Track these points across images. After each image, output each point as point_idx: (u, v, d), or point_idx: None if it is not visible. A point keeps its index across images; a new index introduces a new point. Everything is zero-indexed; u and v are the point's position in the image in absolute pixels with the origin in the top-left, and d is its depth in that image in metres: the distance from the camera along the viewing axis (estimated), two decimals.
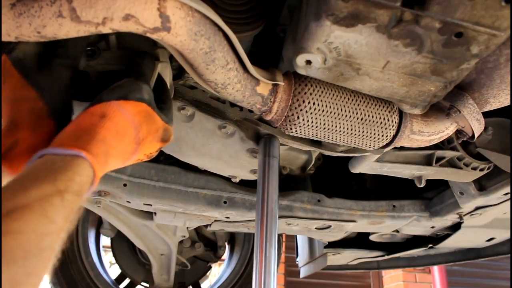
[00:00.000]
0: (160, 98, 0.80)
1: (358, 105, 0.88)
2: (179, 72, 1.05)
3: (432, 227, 1.67)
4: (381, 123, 0.90)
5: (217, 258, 2.42)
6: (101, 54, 0.83)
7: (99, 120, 0.64)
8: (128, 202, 1.32)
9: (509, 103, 0.88)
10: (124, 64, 0.84)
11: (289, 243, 4.55)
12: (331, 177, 1.75)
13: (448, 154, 1.28)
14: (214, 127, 1.06)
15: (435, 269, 4.84)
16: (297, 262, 2.38)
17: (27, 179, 0.51)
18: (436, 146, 1.27)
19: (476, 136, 0.92)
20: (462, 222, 1.59)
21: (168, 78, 0.88)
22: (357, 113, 0.88)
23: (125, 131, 0.66)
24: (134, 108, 0.69)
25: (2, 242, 0.41)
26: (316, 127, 0.88)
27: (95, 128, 0.62)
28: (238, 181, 1.36)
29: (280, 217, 1.40)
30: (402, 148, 1.24)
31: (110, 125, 0.64)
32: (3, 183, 0.52)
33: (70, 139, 0.60)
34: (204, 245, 2.35)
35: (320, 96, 0.85)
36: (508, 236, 1.79)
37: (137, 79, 0.75)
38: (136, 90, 0.71)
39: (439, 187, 1.56)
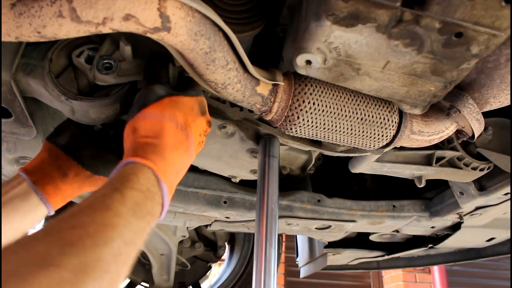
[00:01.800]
0: (182, 81, 0.83)
1: (358, 105, 0.88)
2: None
3: (432, 227, 1.67)
4: (381, 123, 0.90)
5: (217, 258, 2.42)
6: (118, 66, 0.83)
7: (132, 134, 0.69)
8: None
9: (509, 103, 0.88)
10: (141, 73, 0.85)
11: (289, 243, 4.55)
12: (331, 177, 1.75)
13: (448, 154, 1.28)
14: (214, 127, 1.06)
15: (435, 269, 4.84)
16: (297, 262, 2.38)
17: (90, 195, 0.55)
18: (436, 146, 1.27)
19: (476, 136, 0.92)
20: (462, 222, 1.59)
21: None
22: (357, 113, 0.88)
23: (162, 127, 0.69)
24: (157, 108, 0.71)
25: (72, 233, 0.45)
26: (316, 127, 0.88)
27: (134, 143, 0.67)
28: (238, 181, 1.36)
29: (280, 217, 1.39)
30: (402, 148, 1.24)
31: (143, 132, 0.68)
32: None
33: (138, 149, 0.66)
34: (204, 245, 2.35)
35: (320, 96, 0.85)
36: (508, 236, 1.79)
37: (150, 83, 0.77)
38: (151, 94, 0.74)
39: (439, 187, 1.56)
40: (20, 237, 0.44)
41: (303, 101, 0.85)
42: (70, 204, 0.72)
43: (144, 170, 0.61)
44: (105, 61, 0.82)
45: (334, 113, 0.87)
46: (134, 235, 0.52)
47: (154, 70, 0.81)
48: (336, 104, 0.87)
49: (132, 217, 0.53)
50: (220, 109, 1.05)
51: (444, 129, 0.94)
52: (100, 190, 0.55)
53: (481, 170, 1.30)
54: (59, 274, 0.40)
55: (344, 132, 0.90)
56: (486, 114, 0.93)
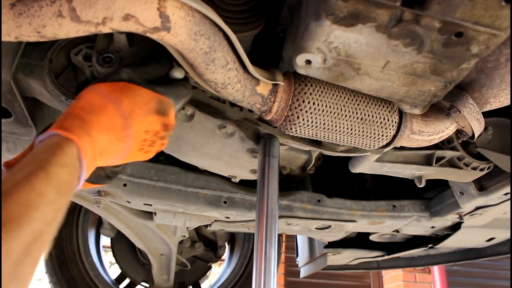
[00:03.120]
0: (163, 78, 0.81)
1: (358, 105, 0.88)
2: None
3: (432, 227, 1.67)
4: (381, 123, 0.90)
5: (217, 258, 2.42)
6: (117, 57, 0.83)
7: (75, 102, 0.68)
8: (128, 202, 1.32)
9: (509, 103, 0.88)
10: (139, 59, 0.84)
11: (289, 243, 4.55)
12: (331, 177, 1.75)
13: (448, 154, 1.28)
14: (214, 127, 1.06)
15: (435, 269, 4.84)
16: (297, 262, 2.38)
17: (15, 169, 0.54)
18: (436, 146, 1.27)
19: (476, 136, 0.92)
20: (462, 222, 1.59)
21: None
22: (357, 113, 0.88)
23: (101, 106, 0.67)
24: (108, 87, 0.70)
25: None
26: (316, 127, 0.88)
27: (69, 109, 0.66)
28: (238, 181, 1.36)
29: (280, 217, 1.39)
30: (402, 148, 1.24)
31: (83, 103, 0.67)
32: None
33: (53, 125, 0.64)
34: (204, 245, 2.35)
35: (320, 96, 0.85)
36: (508, 236, 1.79)
37: (122, 67, 0.76)
38: (115, 73, 0.73)
39: (439, 187, 1.56)
40: None
41: (303, 101, 0.85)
42: None
43: (68, 144, 0.60)
44: (105, 55, 0.82)
45: (334, 113, 0.87)
46: (55, 213, 0.52)
47: (146, 59, 0.80)
48: (336, 104, 0.87)
49: (56, 195, 0.53)
50: (220, 109, 1.05)
51: (444, 129, 0.94)
52: (26, 165, 0.54)
53: (481, 170, 1.30)
54: None
55: (344, 132, 0.90)
56: (486, 114, 0.93)
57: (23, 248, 0.46)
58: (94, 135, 0.64)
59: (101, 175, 0.79)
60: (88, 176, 0.63)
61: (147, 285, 2.32)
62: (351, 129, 0.90)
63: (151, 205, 1.32)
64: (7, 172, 0.55)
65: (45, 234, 0.50)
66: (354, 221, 1.50)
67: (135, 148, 0.73)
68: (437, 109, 0.92)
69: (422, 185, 1.33)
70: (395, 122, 0.91)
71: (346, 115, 0.88)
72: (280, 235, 2.65)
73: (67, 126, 0.62)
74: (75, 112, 0.65)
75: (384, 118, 0.90)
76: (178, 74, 0.83)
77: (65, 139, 0.60)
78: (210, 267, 2.53)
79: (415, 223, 1.61)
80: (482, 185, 1.38)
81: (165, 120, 0.76)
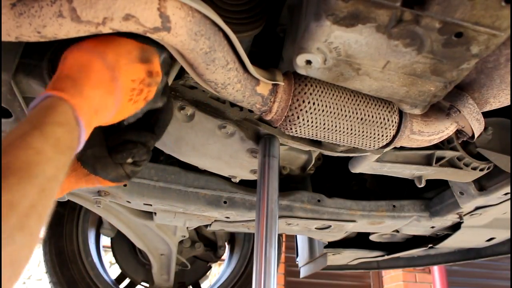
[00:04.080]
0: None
1: (358, 105, 0.88)
2: (179, 72, 1.05)
3: (432, 227, 1.67)
4: (381, 123, 0.90)
5: (217, 258, 2.42)
6: None
7: (61, 63, 0.67)
8: (128, 202, 1.32)
9: (509, 103, 0.88)
10: None
11: (289, 243, 4.55)
12: (331, 177, 1.75)
13: (448, 154, 1.28)
14: (214, 127, 1.06)
15: (435, 269, 4.84)
16: (297, 262, 2.38)
17: (10, 131, 0.55)
18: (436, 146, 1.27)
19: (476, 136, 0.92)
20: (462, 222, 1.59)
21: None
22: (357, 113, 0.88)
23: (88, 62, 0.67)
24: (91, 42, 0.70)
25: None
26: (316, 127, 0.88)
27: (59, 72, 0.66)
28: (238, 181, 1.36)
29: (280, 217, 1.39)
30: (402, 148, 1.24)
31: (70, 63, 0.67)
32: None
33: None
34: (204, 245, 2.35)
35: (320, 96, 0.85)
36: (508, 236, 1.79)
37: None
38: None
39: (439, 187, 1.56)
40: None
41: (303, 101, 0.85)
42: None
43: (62, 103, 0.60)
44: None
45: (334, 113, 0.87)
46: (56, 171, 0.53)
47: None
48: (336, 104, 0.87)
49: (54, 153, 0.54)
50: (220, 109, 1.05)
51: (444, 129, 0.94)
52: (20, 127, 0.54)
53: (481, 170, 1.30)
54: None
55: (344, 132, 0.90)
56: (486, 114, 0.93)
57: (28, 202, 0.47)
58: (86, 92, 0.64)
59: (122, 175, 0.81)
60: (88, 136, 0.64)
61: (147, 285, 2.31)
62: (351, 129, 0.90)
63: (151, 205, 1.32)
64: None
65: (48, 191, 0.51)
66: (354, 221, 1.50)
67: (125, 99, 0.73)
68: (437, 109, 0.92)
69: (422, 185, 1.33)
70: (395, 122, 0.91)
71: (346, 115, 0.88)
72: (280, 235, 2.65)
73: (60, 87, 0.62)
74: (65, 72, 0.65)
75: (384, 118, 0.90)
76: None
77: (58, 99, 0.60)
78: (210, 267, 2.53)
79: (415, 223, 1.62)
80: (482, 185, 1.38)
81: (149, 67, 0.76)
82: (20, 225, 0.46)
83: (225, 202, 1.36)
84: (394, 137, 0.93)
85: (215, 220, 1.50)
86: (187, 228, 1.88)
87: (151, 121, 0.83)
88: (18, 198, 0.47)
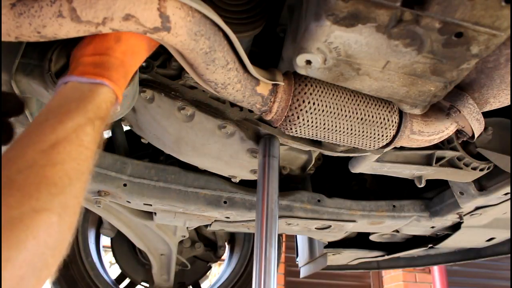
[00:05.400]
0: None
1: (358, 105, 0.88)
2: (179, 72, 1.05)
3: (432, 227, 1.67)
4: (381, 123, 0.90)
5: (217, 258, 2.42)
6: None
7: (114, 44, 0.66)
8: (128, 202, 1.32)
9: (509, 103, 0.88)
10: None
11: (289, 243, 4.55)
12: (331, 177, 1.75)
13: (448, 154, 1.28)
14: (214, 127, 1.06)
15: (435, 269, 4.84)
16: (297, 262, 2.38)
17: (61, 111, 0.55)
18: (436, 146, 1.27)
19: (476, 136, 0.92)
20: (462, 222, 1.59)
21: None
22: (357, 113, 0.88)
23: (140, 49, 0.69)
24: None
25: (51, 173, 0.47)
26: (316, 127, 0.88)
27: (113, 53, 0.65)
28: (238, 181, 1.36)
29: (280, 217, 1.39)
30: (402, 148, 1.24)
31: (126, 49, 0.66)
32: None
33: (91, 66, 0.62)
34: (204, 245, 2.35)
35: (320, 96, 0.85)
36: (508, 236, 1.79)
37: None
38: None
39: (439, 187, 1.56)
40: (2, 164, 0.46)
41: (303, 101, 0.85)
42: None
43: (111, 96, 0.61)
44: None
45: (334, 113, 0.87)
46: (91, 164, 0.55)
47: None
48: (336, 104, 0.87)
49: (95, 147, 0.56)
50: (220, 109, 1.05)
51: (444, 129, 0.94)
52: (76, 115, 0.54)
53: (481, 170, 1.30)
54: (49, 218, 0.44)
55: (344, 132, 0.90)
56: (486, 114, 0.93)
57: (76, 201, 0.50)
58: (126, 80, 0.66)
59: None
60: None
61: (147, 285, 2.31)
62: (351, 129, 0.90)
63: (151, 205, 1.32)
64: (51, 110, 0.56)
65: (86, 184, 0.53)
66: (354, 221, 1.50)
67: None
68: (437, 109, 0.92)
69: (422, 185, 1.33)
70: (395, 122, 0.91)
71: (346, 115, 0.88)
72: (280, 235, 2.65)
73: (116, 78, 0.62)
74: (120, 58, 0.65)
75: (384, 118, 0.90)
76: None
77: (112, 93, 0.61)
78: (210, 267, 2.53)
79: (415, 223, 1.61)
80: (482, 185, 1.38)
81: None
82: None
83: (225, 202, 1.36)
84: (394, 137, 0.93)
85: (215, 220, 1.50)
86: (187, 228, 1.88)
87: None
88: (71, 200, 0.49)
